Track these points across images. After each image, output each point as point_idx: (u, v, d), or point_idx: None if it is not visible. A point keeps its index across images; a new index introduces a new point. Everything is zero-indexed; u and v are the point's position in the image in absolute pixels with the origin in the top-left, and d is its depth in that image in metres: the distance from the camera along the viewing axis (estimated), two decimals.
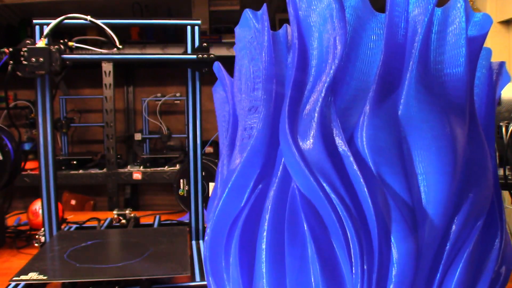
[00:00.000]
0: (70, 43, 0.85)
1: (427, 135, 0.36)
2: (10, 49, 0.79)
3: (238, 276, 0.39)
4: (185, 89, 0.92)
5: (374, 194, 0.35)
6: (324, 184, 0.35)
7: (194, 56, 0.87)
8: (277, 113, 0.40)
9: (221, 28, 2.29)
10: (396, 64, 0.37)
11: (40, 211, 0.94)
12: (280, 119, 0.39)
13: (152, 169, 2.13)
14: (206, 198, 1.16)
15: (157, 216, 1.13)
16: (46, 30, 0.83)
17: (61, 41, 0.84)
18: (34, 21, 0.86)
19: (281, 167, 0.39)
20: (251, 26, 0.45)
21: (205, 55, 0.87)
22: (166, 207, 1.97)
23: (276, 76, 0.42)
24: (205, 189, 1.13)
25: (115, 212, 1.04)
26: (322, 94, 0.36)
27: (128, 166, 2.19)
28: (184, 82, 0.91)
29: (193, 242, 0.92)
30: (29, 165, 2.04)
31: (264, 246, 0.37)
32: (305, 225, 0.37)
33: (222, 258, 0.41)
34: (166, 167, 2.14)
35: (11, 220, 1.14)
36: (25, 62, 0.79)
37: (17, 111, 2.35)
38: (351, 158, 0.35)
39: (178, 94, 2.40)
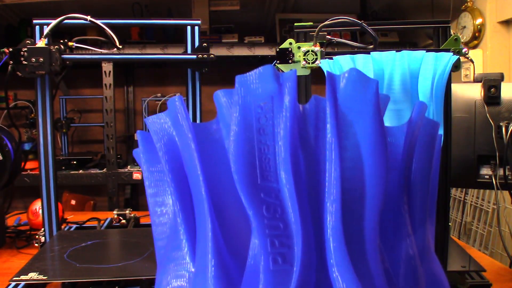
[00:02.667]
0: (70, 43, 0.85)
1: None
2: (10, 49, 0.79)
3: None
4: (185, 89, 0.92)
5: None
6: None
7: (194, 56, 0.87)
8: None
9: (221, 28, 2.29)
10: None
11: (40, 211, 0.94)
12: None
13: None
14: None
15: None
16: (46, 30, 0.83)
17: (61, 41, 0.84)
18: (34, 21, 0.86)
19: None
20: (268, 88, 0.35)
21: (205, 55, 0.87)
22: None
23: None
24: None
25: (115, 212, 1.04)
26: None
27: (128, 166, 2.19)
28: (184, 82, 0.91)
29: None
30: (29, 165, 2.04)
31: None
32: None
33: None
34: None
35: (11, 220, 1.14)
36: (25, 62, 0.79)
37: (17, 111, 2.35)
38: None
39: (178, 94, 2.40)
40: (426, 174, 0.41)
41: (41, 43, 0.80)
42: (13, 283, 0.68)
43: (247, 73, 0.35)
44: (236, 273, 0.35)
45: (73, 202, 2.27)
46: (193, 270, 0.37)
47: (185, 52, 0.91)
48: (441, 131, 0.72)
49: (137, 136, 0.41)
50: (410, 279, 0.38)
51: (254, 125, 0.34)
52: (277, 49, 0.69)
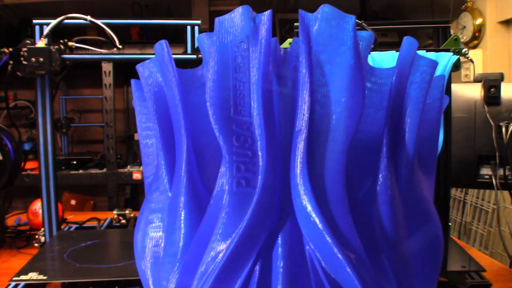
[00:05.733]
0: (70, 43, 0.85)
1: None
2: (10, 49, 0.79)
3: None
4: None
5: None
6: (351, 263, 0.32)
7: (194, 56, 0.87)
8: (278, 147, 0.34)
9: None
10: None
11: (40, 211, 0.94)
12: (293, 171, 0.33)
13: None
14: None
15: None
16: (46, 30, 0.83)
17: (61, 41, 0.84)
18: (34, 21, 0.86)
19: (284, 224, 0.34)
20: (244, 28, 0.36)
21: None
22: None
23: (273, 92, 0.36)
24: None
25: (115, 212, 1.04)
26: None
27: (128, 166, 2.19)
28: None
29: None
30: (29, 165, 2.04)
31: None
32: None
33: None
34: None
35: (11, 220, 1.14)
36: (25, 62, 0.79)
37: (17, 111, 2.35)
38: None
39: None
40: (417, 114, 0.39)
41: (41, 43, 0.80)
42: (13, 283, 0.68)
43: (226, 14, 0.37)
44: (208, 202, 0.37)
45: (73, 202, 2.27)
46: (170, 195, 0.41)
47: (185, 52, 0.91)
48: (441, 131, 0.72)
49: (131, 84, 0.45)
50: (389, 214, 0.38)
51: (231, 64, 0.36)
52: None
